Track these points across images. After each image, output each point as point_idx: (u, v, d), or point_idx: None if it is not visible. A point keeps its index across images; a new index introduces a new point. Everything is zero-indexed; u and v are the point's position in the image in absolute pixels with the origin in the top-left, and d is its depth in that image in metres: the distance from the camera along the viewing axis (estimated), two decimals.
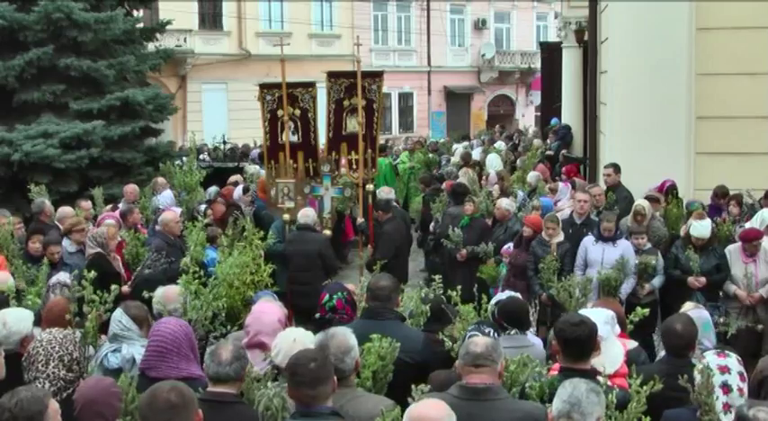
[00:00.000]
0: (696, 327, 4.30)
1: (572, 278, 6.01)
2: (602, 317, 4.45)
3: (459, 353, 3.57)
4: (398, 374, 3.85)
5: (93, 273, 4.82)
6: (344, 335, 3.60)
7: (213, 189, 10.71)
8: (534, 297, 7.45)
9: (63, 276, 6.00)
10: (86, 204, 9.21)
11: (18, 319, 4.40)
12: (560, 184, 10.11)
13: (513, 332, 4.36)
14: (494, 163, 13.54)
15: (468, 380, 3.38)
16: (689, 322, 4.26)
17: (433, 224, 10.11)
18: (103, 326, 4.59)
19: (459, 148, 16.29)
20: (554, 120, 17.17)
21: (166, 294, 4.96)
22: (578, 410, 2.91)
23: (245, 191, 10.08)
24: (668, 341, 4.20)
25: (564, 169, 12.20)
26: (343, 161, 8.95)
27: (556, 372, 3.82)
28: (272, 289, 6.02)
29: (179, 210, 8.94)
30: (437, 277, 5.08)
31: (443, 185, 11.24)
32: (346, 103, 8.82)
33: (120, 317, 4.38)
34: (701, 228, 7.12)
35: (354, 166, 8.86)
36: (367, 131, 8.76)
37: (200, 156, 15.32)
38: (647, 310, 4.50)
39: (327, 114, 8.95)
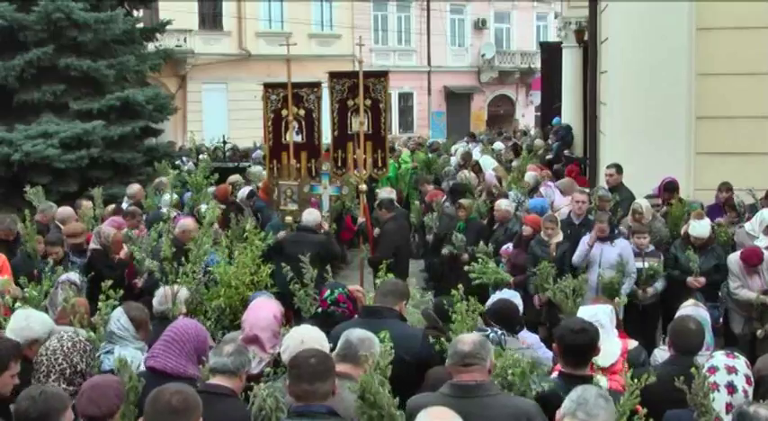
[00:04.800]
0: (704, 328, 4.29)
1: (568, 279, 5.99)
2: (603, 308, 4.52)
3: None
4: (397, 372, 3.85)
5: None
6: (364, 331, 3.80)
7: (211, 190, 10.66)
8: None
9: (73, 276, 5.99)
10: (87, 204, 9.17)
11: (39, 319, 4.39)
12: (542, 188, 9.98)
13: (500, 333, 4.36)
14: (486, 164, 13.49)
15: (459, 379, 3.40)
16: (699, 322, 4.24)
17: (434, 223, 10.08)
18: None
19: (459, 148, 16.27)
20: (555, 120, 17.15)
21: (163, 295, 5.03)
22: (584, 409, 2.89)
23: (251, 195, 9.98)
24: (681, 341, 4.12)
25: (566, 169, 12.17)
26: (350, 160, 8.90)
27: (556, 374, 3.82)
28: (270, 289, 6.01)
29: (175, 211, 8.87)
30: (429, 293, 5.07)
31: (444, 185, 11.22)
32: (350, 103, 8.78)
33: (119, 317, 4.38)
34: (699, 227, 7.12)
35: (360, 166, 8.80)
36: (375, 132, 8.74)
37: (200, 156, 15.29)
38: (625, 299, 4.74)
39: (331, 114, 8.93)
